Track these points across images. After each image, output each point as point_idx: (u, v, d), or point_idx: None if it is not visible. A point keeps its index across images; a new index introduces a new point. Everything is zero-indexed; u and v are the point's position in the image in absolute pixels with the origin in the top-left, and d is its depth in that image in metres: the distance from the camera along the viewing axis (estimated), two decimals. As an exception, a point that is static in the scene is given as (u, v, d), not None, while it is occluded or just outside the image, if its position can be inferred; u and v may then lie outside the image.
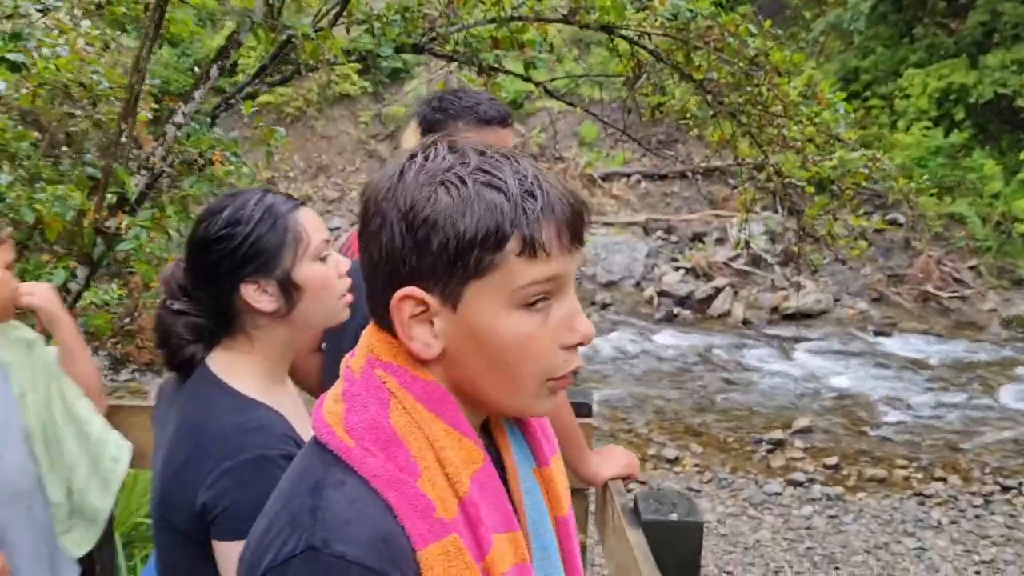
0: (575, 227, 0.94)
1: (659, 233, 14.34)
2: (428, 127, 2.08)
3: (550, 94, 4.07)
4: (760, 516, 7.11)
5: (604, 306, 12.65)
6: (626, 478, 1.96)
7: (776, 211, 12.97)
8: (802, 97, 4.13)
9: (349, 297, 1.51)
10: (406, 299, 0.93)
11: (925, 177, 9.30)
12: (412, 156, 0.95)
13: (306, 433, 1.32)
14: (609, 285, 13.20)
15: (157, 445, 1.53)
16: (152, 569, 1.55)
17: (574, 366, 0.97)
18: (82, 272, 2.78)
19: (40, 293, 2.17)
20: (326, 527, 0.88)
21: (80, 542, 2.17)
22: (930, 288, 12.90)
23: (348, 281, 1.50)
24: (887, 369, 10.81)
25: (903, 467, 7.98)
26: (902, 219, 13.43)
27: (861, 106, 14.96)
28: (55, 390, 2.13)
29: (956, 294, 12.89)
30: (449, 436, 0.95)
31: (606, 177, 15.26)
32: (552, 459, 1.11)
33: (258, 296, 1.44)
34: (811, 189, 4.66)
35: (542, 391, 0.96)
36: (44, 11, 2.83)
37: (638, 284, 13.29)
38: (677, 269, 13.46)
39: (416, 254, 0.91)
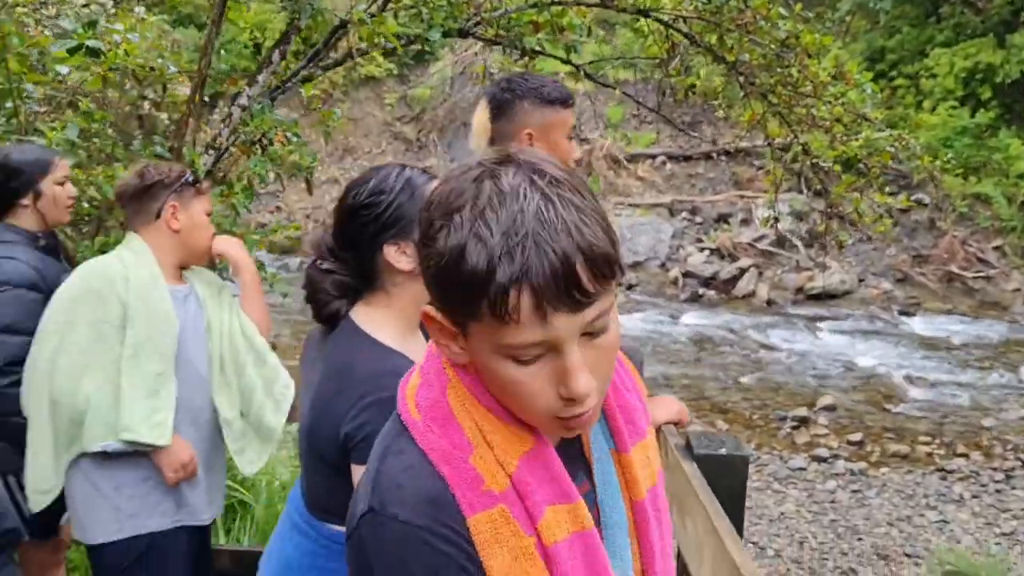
0: (561, 293, 0.89)
1: (684, 214, 14.46)
2: (496, 106, 2.27)
3: (590, 77, 4.24)
4: (785, 490, 7.26)
5: (630, 287, 12.83)
6: (676, 423, 2.15)
7: (801, 192, 13.07)
8: (831, 78, 4.27)
9: None
10: (428, 316, 0.99)
11: (950, 157, 9.36)
12: (451, 174, 0.98)
13: None
14: (635, 266, 13.36)
15: (305, 387, 1.74)
16: (297, 497, 1.76)
17: (576, 412, 0.96)
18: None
19: (230, 242, 2.60)
20: (381, 490, 0.99)
21: (253, 460, 2.55)
22: (954, 268, 12.97)
23: None
24: (911, 348, 10.91)
25: (926, 443, 8.12)
26: (927, 199, 13.48)
27: (887, 86, 14.96)
28: (237, 326, 2.52)
29: (980, 274, 12.94)
30: (497, 422, 1.01)
31: (632, 158, 15.37)
32: (633, 447, 1.13)
33: (398, 256, 1.62)
34: (838, 168, 4.81)
35: (550, 424, 0.98)
36: (118, 1, 3.03)
37: (663, 265, 13.44)
38: (702, 250, 13.58)
39: (429, 282, 0.97)
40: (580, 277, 0.89)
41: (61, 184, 2.73)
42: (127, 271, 2.33)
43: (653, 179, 15.24)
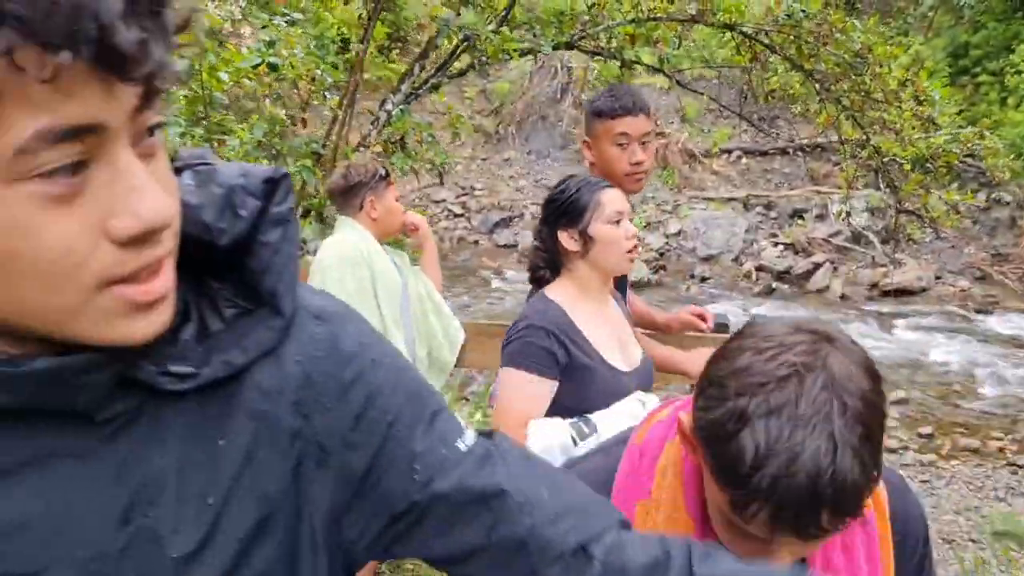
0: (797, 527, 0.95)
1: (759, 209, 14.75)
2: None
3: (680, 84, 4.85)
4: (852, 477, 7.55)
5: (703, 279, 13.17)
6: None
7: (878, 188, 13.29)
8: (900, 84, 4.78)
9: (635, 253, 2.26)
10: (679, 424, 1.09)
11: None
12: (763, 345, 1.01)
13: (601, 331, 2.18)
14: (708, 259, 13.72)
15: None
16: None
17: None
18: (317, 227, 3.72)
19: (420, 218, 3.37)
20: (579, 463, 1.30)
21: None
22: (1035, 267, 13.02)
23: (634, 242, 2.25)
24: (986, 346, 11.01)
25: (998, 439, 8.29)
26: (1008, 197, 13.55)
27: (970, 82, 15.07)
28: (422, 284, 3.24)
29: (1062, 274, 12.96)
30: (680, 497, 1.14)
31: (707, 152, 15.73)
32: None
33: (568, 240, 2.22)
34: (908, 167, 5.30)
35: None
36: (290, 23, 3.73)
37: (737, 258, 13.78)
38: (776, 244, 13.83)
39: (697, 415, 1.05)
40: (821, 520, 0.94)
41: None
42: (365, 243, 3.07)
43: (728, 173, 15.59)
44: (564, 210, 2.23)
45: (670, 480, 1.15)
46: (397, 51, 14.71)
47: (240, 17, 6.12)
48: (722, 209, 14.61)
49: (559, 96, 16.62)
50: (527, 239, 13.67)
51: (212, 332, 0.78)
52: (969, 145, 5.09)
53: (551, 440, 2.01)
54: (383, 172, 3.16)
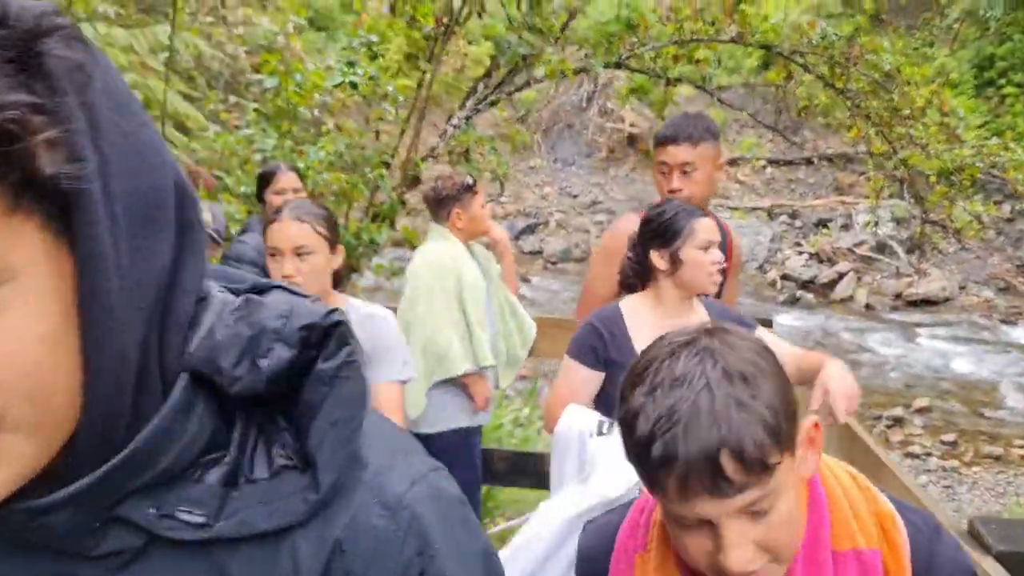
0: (705, 481, 0.98)
1: (783, 218, 15.08)
2: None
3: (721, 101, 5.28)
4: (877, 482, 7.81)
5: (728, 288, 13.44)
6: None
7: (903, 198, 13.52)
8: (927, 101, 5.17)
9: (718, 277, 2.40)
10: None
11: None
12: (660, 341, 1.11)
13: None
14: (733, 268, 13.98)
15: None
16: None
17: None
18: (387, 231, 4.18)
19: (502, 231, 3.76)
20: (591, 527, 1.37)
21: (506, 377, 3.76)
22: (1059, 278, 13.24)
23: (719, 267, 2.38)
24: (1011, 356, 11.23)
25: (1020, 446, 8.50)
26: (1033, 209, 13.80)
27: (995, 94, 15.36)
28: (500, 288, 3.65)
29: (1086, 285, 13.17)
30: (663, 551, 1.20)
31: (732, 162, 16.04)
32: None
33: (658, 259, 2.41)
34: (934, 179, 5.67)
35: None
36: (368, 45, 4.18)
37: (761, 267, 14.10)
38: (801, 253, 14.14)
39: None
40: (724, 468, 0.97)
41: (278, 193, 3.81)
42: (453, 252, 3.47)
43: (753, 183, 15.90)
44: (659, 232, 2.42)
45: (662, 533, 1.20)
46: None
47: (292, 31, 6.59)
48: (747, 218, 14.93)
49: (584, 105, 17.00)
50: (552, 246, 14.05)
51: (251, 479, 0.66)
52: (993, 157, 5.45)
53: (575, 425, 2.34)
54: (469, 183, 3.55)
